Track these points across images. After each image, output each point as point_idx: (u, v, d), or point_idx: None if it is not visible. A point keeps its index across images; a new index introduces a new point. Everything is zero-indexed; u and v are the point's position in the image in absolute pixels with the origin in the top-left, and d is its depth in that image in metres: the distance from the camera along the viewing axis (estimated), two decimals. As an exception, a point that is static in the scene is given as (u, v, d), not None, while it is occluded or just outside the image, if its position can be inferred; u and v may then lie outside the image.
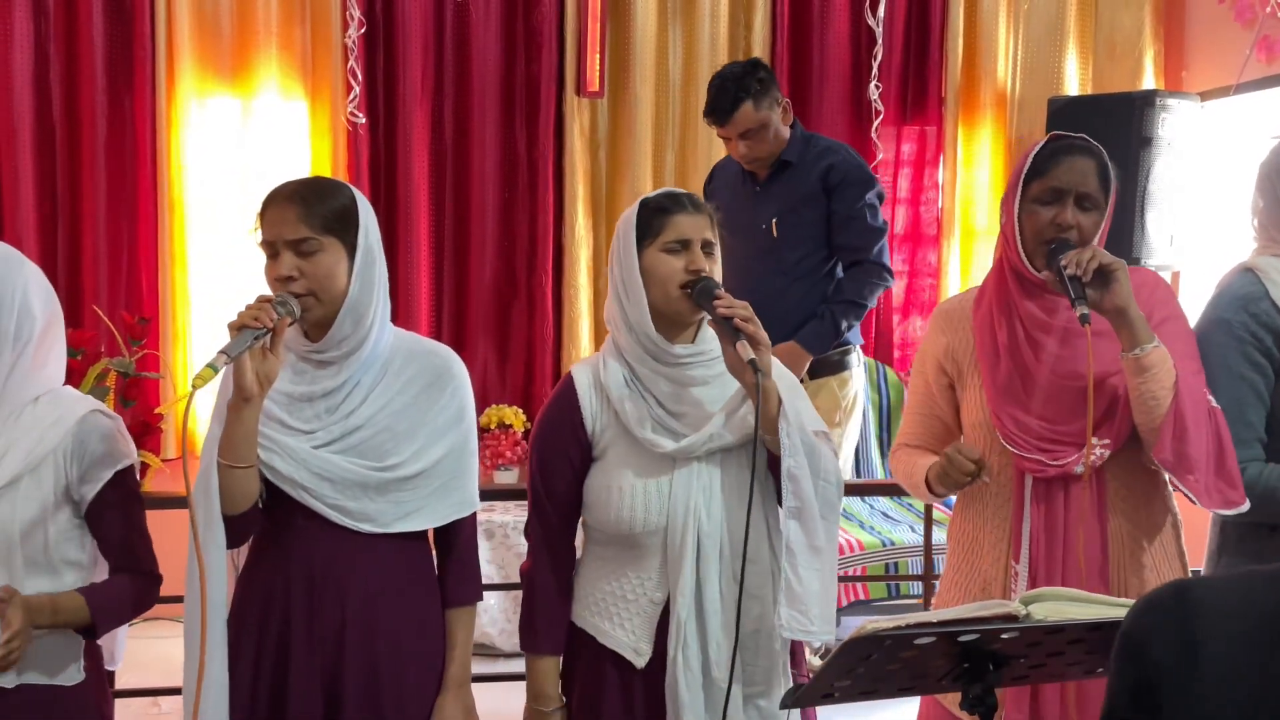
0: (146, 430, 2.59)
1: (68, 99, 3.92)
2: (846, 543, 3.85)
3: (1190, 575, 1.93)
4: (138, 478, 1.78)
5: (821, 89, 4.26)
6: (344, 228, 1.67)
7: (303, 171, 4.03)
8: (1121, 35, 4.24)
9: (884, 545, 3.84)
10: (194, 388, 1.50)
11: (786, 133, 3.16)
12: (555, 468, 1.76)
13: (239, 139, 4.01)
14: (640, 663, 1.70)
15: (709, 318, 1.69)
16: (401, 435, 1.71)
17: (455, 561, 1.82)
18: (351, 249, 1.68)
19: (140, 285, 4.02)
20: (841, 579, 3.78)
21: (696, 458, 1.69)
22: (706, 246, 1.72)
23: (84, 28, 3.88)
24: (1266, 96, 3.74)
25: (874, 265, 3.15)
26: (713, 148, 4.11)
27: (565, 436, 1.75)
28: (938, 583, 2.11)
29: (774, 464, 1.71)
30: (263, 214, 1.68)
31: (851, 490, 4.26)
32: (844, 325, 3.14)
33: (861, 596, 3.82)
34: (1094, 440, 1.79)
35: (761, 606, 1.69)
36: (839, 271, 3.21)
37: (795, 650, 1.78)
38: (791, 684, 1.73)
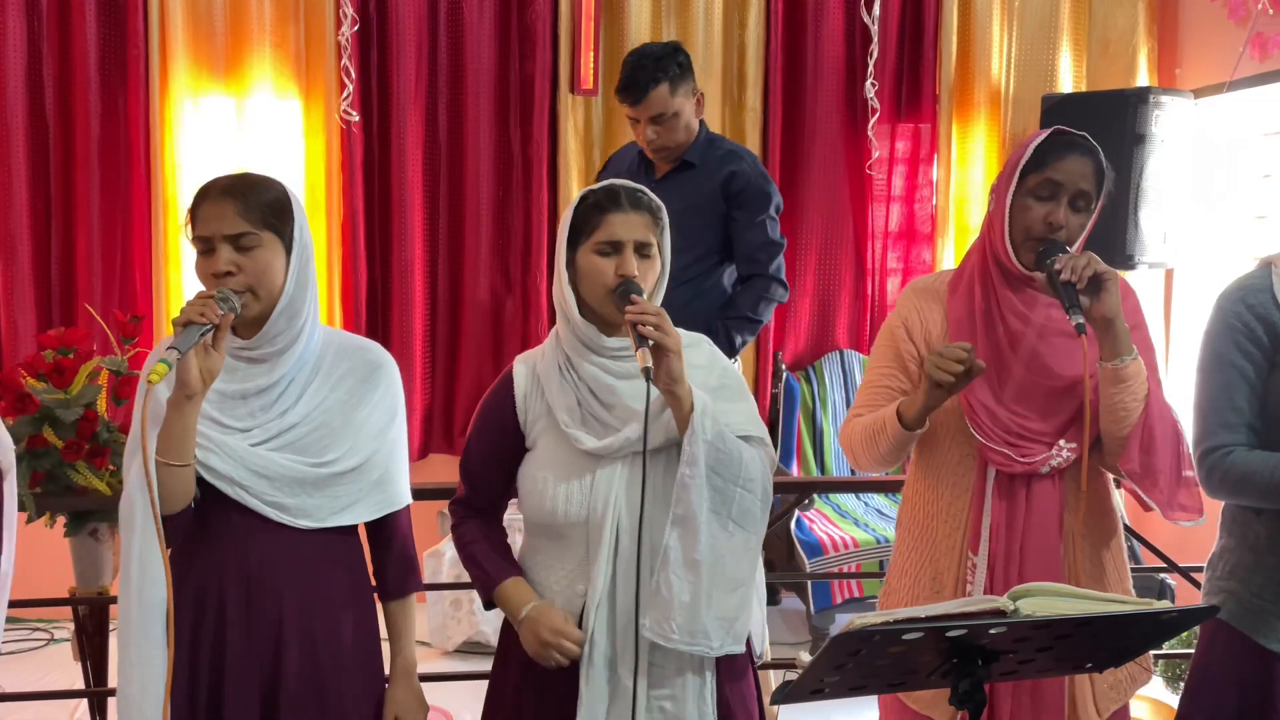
0: (139, 428, 2.58)
1: (61, 98, 3.92)
2: (841, 539, 3.85)
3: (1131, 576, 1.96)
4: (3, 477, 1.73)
5: (816, 87, 4.25)
6: (280, 223, 1.67)
7: (297, 170, 4.03)
8: (1115, 33, 4.25)
9: (878, 542, 3.85)
10: (150, 384, 1.50)
11: (696, 127, 3.02)
12: (485, 454, 1.79)
13: (233, 138, 4.00)
14: None
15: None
16: (337, 431, 1.72)
17: (393, 555, 1.83)
18: (287, 245, 1.67)
19: (134, 284, 4.02)
20: (836, 576, 3.79)
21: (620, 456, 1.69)
22: (642, 248, 1.70)
23: (77, 26, 3.87)
24: (1260, 94, 3.75)
25: (771, 280, 3.06)
26: (707, 146, 4.11)
27: (497, 425, 1.77)
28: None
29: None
30: (195, 210, 1.67)
31: (847, 487, 4.28)
32: (739, 341, 3.06)
33: (856, 594, 3.82)
34: (1061, 443, 1.81)
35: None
36: (725, 279, 3.10)
37: (735, 661, 1.75)
38: (712, 691, 1.70)
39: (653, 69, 2.90)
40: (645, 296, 1.68)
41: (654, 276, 1.73)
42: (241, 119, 4.01)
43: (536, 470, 1.73)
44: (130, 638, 1.62)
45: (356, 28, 3.97)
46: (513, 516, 1.86)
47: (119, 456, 2.55)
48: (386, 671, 1.87)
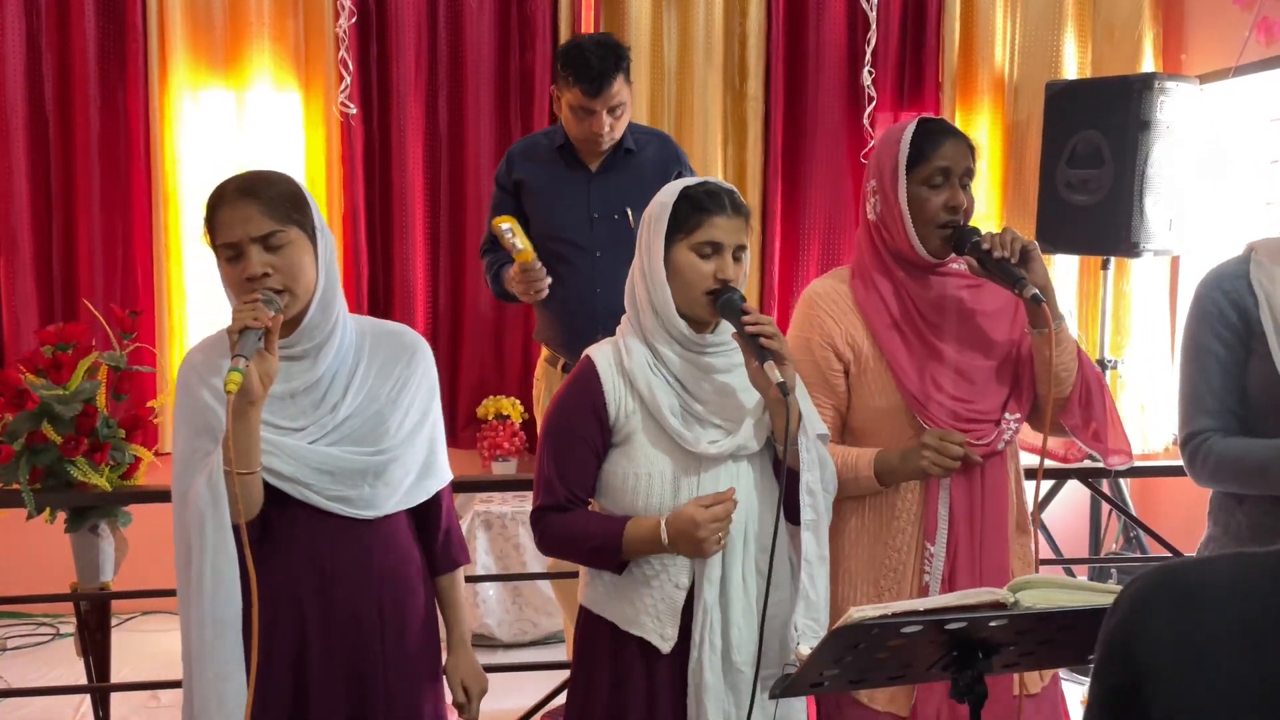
0: (138, 424, 2.58)
1: (60, 92, 3.91)
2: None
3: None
4: None
5: (818, 76, 4.22)
6: (301, 215, 1.65)
7: (298, 164, 4.02)
8: (1120, 18, 4.21)
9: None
10: (229, 393, 1.48)
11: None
12: (575, 453, 1.74)
13: (232, 131, 3.99)
14: (666, 648, 1.72)
15: (733, 330, 1.69)
16: (388, 417, 1.72)
17: (442, 530, 1.85)
18: (311, 237, 1.66)
19: (135, 279, 4.02)
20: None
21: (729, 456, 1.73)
22: (738, 251, 1.72)
23: (76, 21, 3.86)
24: (1266, 79, 3.71)
25: None
26: (708, 135, 4.09)
27: (586, 422, 1.72)
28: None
29: (779, 462, 1.76)
30: (214, 215, 1.63)
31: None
32: None
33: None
34: (1006, 415, 1.86)
35: (781, 593, 1.73)
36: None
37: None
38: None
39: (612, 58, 2.77)
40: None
41: (744, 280, 1.75)
42: (241, 112, 4.00)
43: (636, 467, 1.71)
44: (206, 656, 1.60)
45: (355, 20, 3.96)
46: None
47: (119, 452, 2.54)
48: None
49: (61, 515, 2.59)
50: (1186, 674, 0.84)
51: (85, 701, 3.30)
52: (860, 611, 1.29)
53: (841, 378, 1.90)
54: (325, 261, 1.66)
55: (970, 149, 1.86)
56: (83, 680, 2.82)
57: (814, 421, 1.75)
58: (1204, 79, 3.89)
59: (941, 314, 1.86)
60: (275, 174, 1.68)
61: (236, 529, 1.58)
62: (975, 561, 1.84)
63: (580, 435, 1.73)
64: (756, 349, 1.64)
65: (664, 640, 1.71)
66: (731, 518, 1.68)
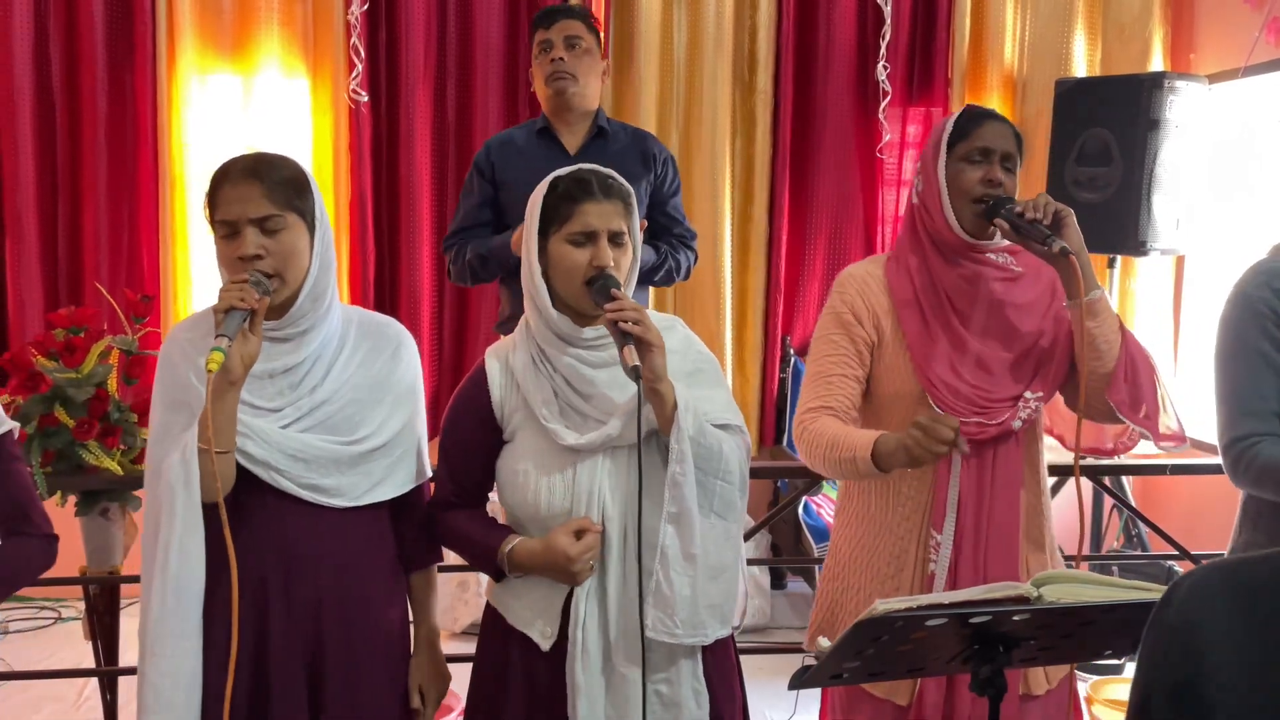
0: (148, 408, 2.57)
1: (68, 75, 3.90)
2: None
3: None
4: (16, 441, 1.73)
5: (828, 69, 4.22)
6: (302, 202, 1.65)
7: (305, 150, 4.01)
8: (1130, 17, 4.21)
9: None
10: (209, 372, 1.49)
11: (598, 95, 2.95)
12: (463, 450, 1.77)
13: (240, 116, 3.98)
14: (545, 645, 1.70)
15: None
16: (367, 406, 1.72)
17: (416, 526, 1.83)
18: (309, 225, 1.66)
19: (141, 262, 4.01)
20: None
21: (602, 449, 1.68)
22: (616, 237, 1.67)
23: (84, 4, 3.84)
24: (1275, 79, 3.72)
25: (691, 244, 3.03)
26: (716, 128, 4.09)
27: (473, 420, 1.75)
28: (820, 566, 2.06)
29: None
30: (216, 192, 1.64)
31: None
32: (685, 263, 2.98)
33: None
34: (1028, 395, 1.83)
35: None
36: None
37: (720, 645, 1.75)
38: (702, 673, 1.71)
39: (566, 6, 2.97)
40: (621, 287, 1.66)
41: (628, 265, 1.71)
42: (248, 98, 3.99)
43: (516, 463, 1.71)
44: (166, 628, 1.60)
45: (365, 6, 3.94)
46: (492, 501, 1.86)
47: (130, 436, 2.54)
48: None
49: (72, 499, 2.59)
50: (1253, 674, 0.81)
51: (89, 685, 3.31)
52: (885, 604, 1.30)
53: (869, 351, 1.90)
54: (321, 251, 1.66)
55: (1015, 136, 1.87)
56: (85, 663, 2.82)
57: (717, 409, 1.70)
58: (1213, 79, 3.89)
59: (970, 301, 1.85)
60: (282, 157, 1.68)
61: (212, 507, 1.57)
62: (980, 553, 1.82)
63: (466, 435, 1.76)
64: (619, 334, 1.58)
65: (544, 638, 1.70)
66: (603, 522, 1.66)
